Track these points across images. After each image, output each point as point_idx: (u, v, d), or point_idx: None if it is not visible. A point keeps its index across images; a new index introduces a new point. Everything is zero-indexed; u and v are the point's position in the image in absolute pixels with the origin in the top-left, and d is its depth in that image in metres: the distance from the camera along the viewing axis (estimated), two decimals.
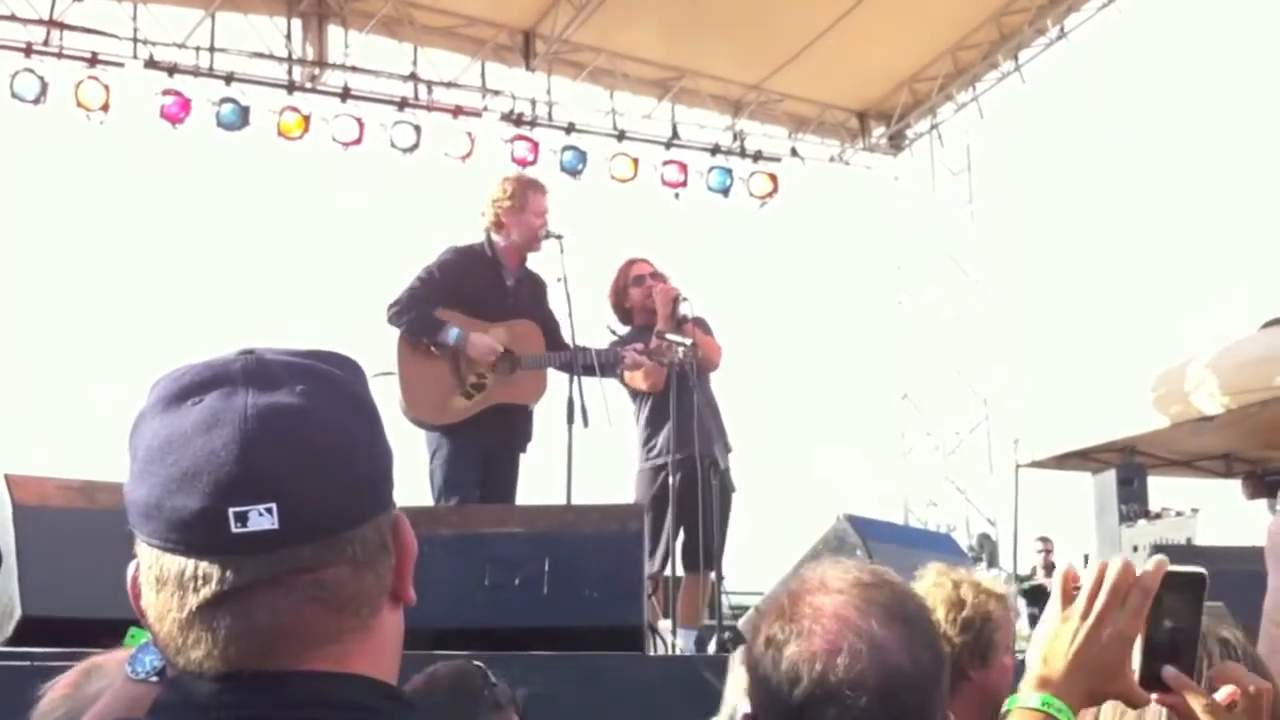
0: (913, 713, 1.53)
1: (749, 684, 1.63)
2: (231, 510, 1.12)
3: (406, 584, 1.25)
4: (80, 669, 1.90)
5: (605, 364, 6.03)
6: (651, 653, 4.70)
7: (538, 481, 6.22)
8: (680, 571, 6.08)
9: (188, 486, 1.13)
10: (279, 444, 1.15)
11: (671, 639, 5.81)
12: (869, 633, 1.54)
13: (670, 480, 5.94)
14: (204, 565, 1.13)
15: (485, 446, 6.00)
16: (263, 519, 1.12)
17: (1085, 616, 1.47)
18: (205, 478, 1.13)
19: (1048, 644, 1.50)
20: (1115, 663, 1.46)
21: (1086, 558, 8.69)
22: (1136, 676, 1.47)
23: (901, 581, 1.65)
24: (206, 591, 1.13)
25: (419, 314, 5.97)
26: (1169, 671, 1.45)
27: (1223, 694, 1.48)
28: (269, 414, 1.15)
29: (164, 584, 1.15)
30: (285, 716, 1.15)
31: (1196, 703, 1.45)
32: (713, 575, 5.75)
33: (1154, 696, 1.48)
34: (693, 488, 5.77)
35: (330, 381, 1.22)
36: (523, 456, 6.17)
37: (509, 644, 3.94)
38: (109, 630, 1.86)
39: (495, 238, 6.22)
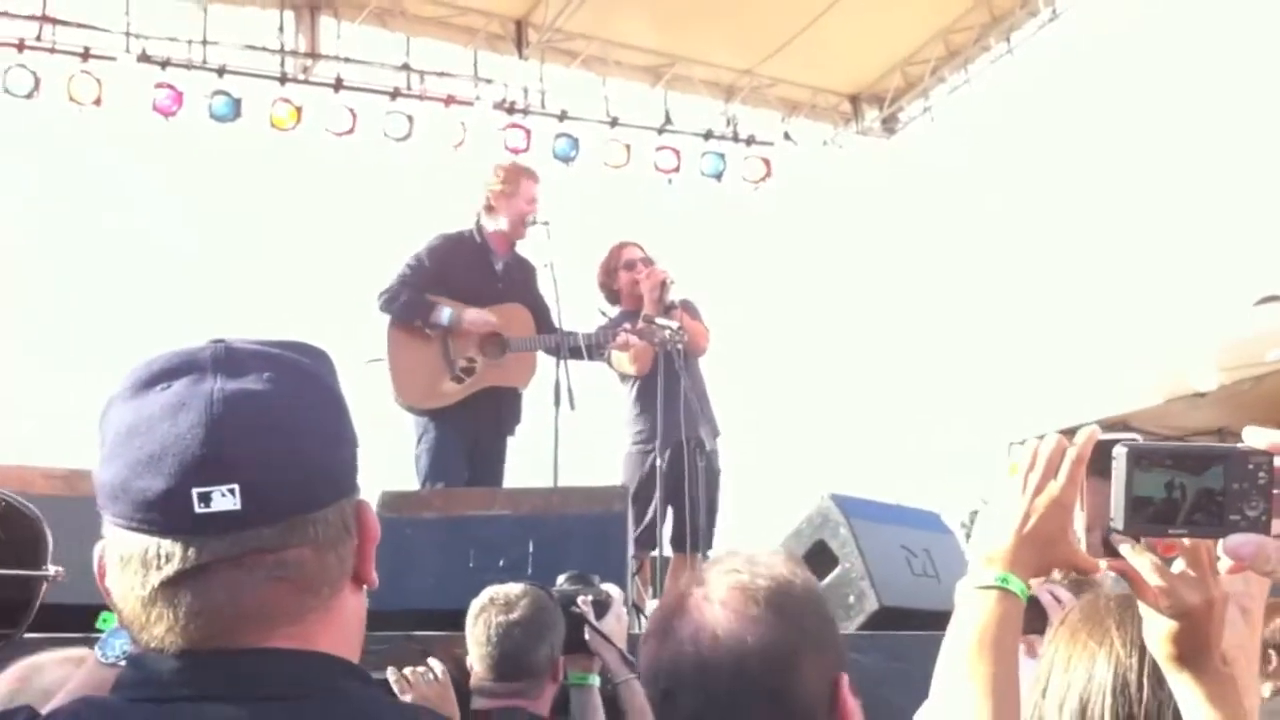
0: (764, 689, 1.58)
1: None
2: (195, 491, 1.16)
3: (368, 566, 1.29)
4: (21, 668, 1.93)
5: (592, 346, 6.08)
6: (637, 632, 4.74)
7: (525, 465, 6.27)
8: (669, 553, 6.13)
9: (153, 468, 1.17)
10: (243, 428, 1.19)
11: None
12: (718, 618, 1.60)
13: (657, 463, 5.99)
14: (167, 544, 1.17)
15: (473, 432, 6.06)
16: (225, 500, 1.16)
17: (1023, 490, 1.50)
18: (170, 459, 1.17)
19: (993, 522, 1.53)
20: (1057, 531, 1.49)
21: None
22: (1083, 545, 1.48)
23: (782, 568, 1.70)
24: (168, 569, 1.17)
25: (410, 298, 6.04)
26: (1114, 532, 1.46)
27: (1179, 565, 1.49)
28: (235, 399, 1.19)
29: (128, 562, 1.19)
30: (246, 693, 1.18)
31: (1144, 562, 1.46)
32: (700, 556, 5.80)
33: (1103, 563, 1.49)
34: (679, 470, 5.83)
35: (297, 370, 1.27)
36: (510, 440, 6.23)
37: None
38: (87, 615, 1.90)
39: (485, 223, 6.28)
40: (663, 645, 1.63)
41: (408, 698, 2.99)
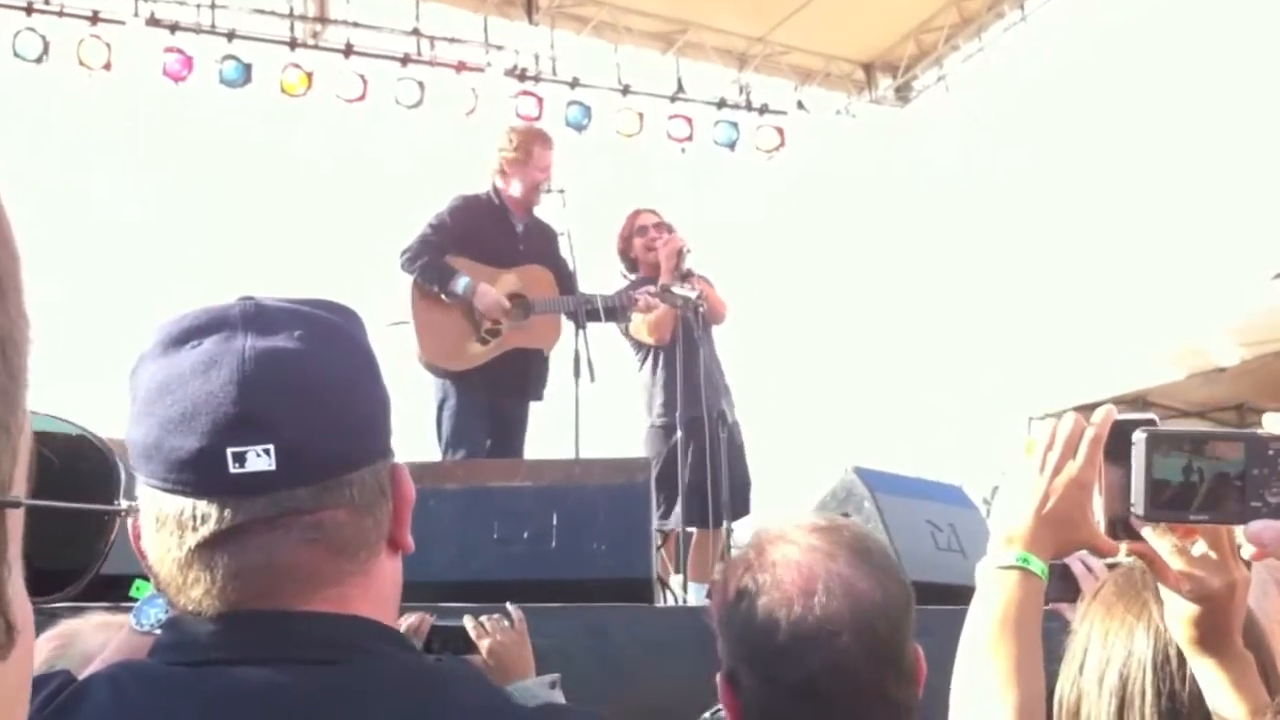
0: (885, 643, 1.57)
1: (722, 640, 1.65)
2: (229, 450, 1.13)
3: (404, 531, 1.27)
4: (60, 633, 1.90)
5: (612, 309, 6.04)
6: (660, 605, 4.72)
7: (545, 437, 6.25)
8: (692, 528, 6.08)
9: (186, 427, 1.14)
10: (276, 387, 1.16)
11: (682, 594, 5.83)
12: (838, 571, 1.59)
13: (680, 436, 5.93)
14: (202, 505, 1.14)
15: (494, 397, 6.02)
16: (260, 460, 1.13)
17: (1042, 470, 1.49)
18: (203, 418, 1.14)
19: (1011, 502, 1.51)
20: (1076, 511, 1.48)
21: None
22: (1102, 527, 1.47)
23: (857, 523, 1.70)
24: (205, 531, 1.14)
25: (430, 261, 5.99)
26: (1135, 518, 1.45)
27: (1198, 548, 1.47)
28: (266, 357, 1.16)
29: (163, 524, 1.16)
30: (284, 656, 1.16)
31: (1164, 545, 1.45)
32: (725, 531, 5.76)
33: (1123, 545, 1.48)
34: (702, 444, 5.78)
35: (328, 328, 1.23)
36: (536, 405, 6.20)
37: (517, 597, 3.94)
38: (110, 584, 1.87)
39: (500, 186, 6.23)
40: (767, 596, 1.60)
41: (484, 643, 2.97)
